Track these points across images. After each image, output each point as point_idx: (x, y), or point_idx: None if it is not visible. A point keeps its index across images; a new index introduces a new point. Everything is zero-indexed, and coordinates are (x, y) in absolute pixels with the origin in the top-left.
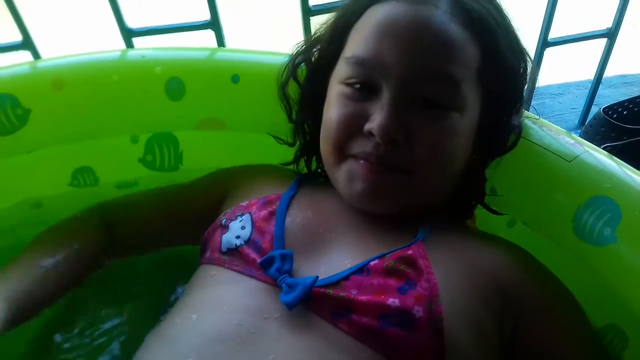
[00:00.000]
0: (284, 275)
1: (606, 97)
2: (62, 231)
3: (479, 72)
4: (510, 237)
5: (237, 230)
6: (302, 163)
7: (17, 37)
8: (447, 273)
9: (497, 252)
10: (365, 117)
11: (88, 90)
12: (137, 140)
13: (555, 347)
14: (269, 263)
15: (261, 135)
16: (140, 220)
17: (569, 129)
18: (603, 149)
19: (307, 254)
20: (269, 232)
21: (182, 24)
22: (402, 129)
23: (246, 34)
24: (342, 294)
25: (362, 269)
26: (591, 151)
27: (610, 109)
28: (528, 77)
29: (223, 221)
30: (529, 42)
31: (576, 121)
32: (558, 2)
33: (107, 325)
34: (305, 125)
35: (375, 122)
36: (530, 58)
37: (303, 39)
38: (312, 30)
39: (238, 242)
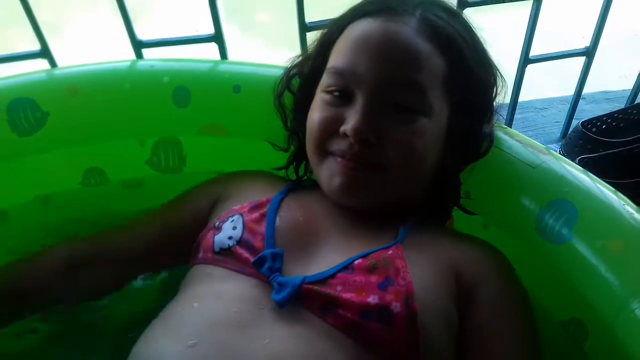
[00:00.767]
0: (276, 274)
1: (588, 112)
2: None
3: (445, 81)
4: (485, 238)
5: (229, 231)
6: (291, 169)
7: (36, 46)
8: (421, 272)
9: (467, 250)
10: (342, 120)
11: (101, 96)
12: (145, 143)
13: (493, 343)
14: (261, 262)
15: (259, 142)
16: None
17: (551, 141)
18: (579, 160)
19: (296, 252)
20: (260, 233)
21: (188, 37)
22: (373, 131)
23: (247, 47)
24: (328, 291)
25: (347, 267)
26: (554, 159)
27: (590, 123)
28: (498, 90)
29: (216, 224)
30: (512, 58)
31: (558, 134)
32: (539, 21)
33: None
34: (299, 133)
35: (349, 124)
36: (500, 73)
37: (299, 53)
38: (308, 45)
39: (231, 242)
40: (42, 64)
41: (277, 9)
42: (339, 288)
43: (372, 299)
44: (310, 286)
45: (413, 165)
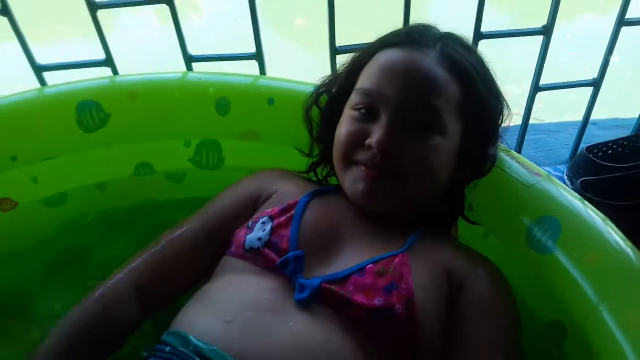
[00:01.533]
0: (298, 275)
1: (598, 137)
2: None
3: (459, 106)
4: (484, 245)
5: (258, 232)
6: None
7: (101, 55)
8: (422, 277)
9: (465, 259)
10: (367, 134)
11: (155, 102)
12: (190, 144)
13: (475, 344)
14: (285, 265)
15: (287, 147)
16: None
17: (559, 163)
18: (581, 182)
19: (317, 252)
20: (286, 235)
21: (233, 54)
22: (394, 144)
23: (283, 65)
24: (342, 291)
25: (360, 270)
26: (546, 180)
27: (595, 148)
28: (504, 117)
29: (249, 224)
30: (524, 85)
31: (567, 156)
32: (548, 53)
33: None
34: (322, 142)
35: (374, 137)
36: (506, 103)
37: (329, 73)
38: (337, 66)
39: (259, 244)
40: (105, 71)
41: (312, 14)
42: (351, 288)
43: (377, 301)
44: (327, 285)
45: (428, 177)
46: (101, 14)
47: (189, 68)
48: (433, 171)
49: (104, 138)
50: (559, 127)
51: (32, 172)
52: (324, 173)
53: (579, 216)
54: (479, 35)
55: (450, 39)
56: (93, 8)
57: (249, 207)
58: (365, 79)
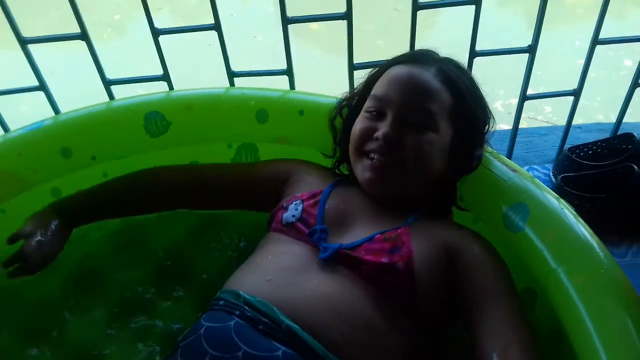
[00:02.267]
0: (322, 242)
1: (582, 139)
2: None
3: (450, 112)
4: (474, 229)
5: (293, 211)
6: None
7: (159, 71)
8: (421, 245)
9: (457, 231)
10: (376, 130)
11: (206, 113)
12: (232, 146)
13: (483, 293)
14: (313, 234)
15: (313, 150)
16: (215, 184)
17: (546, 162)
18: (562, 177)
19: (337, 228)
20: (314, 214)
21: (267, 70)
22: (396, 137)
23: (310, 80)
24: (355, 254)
25: (370, 239)
26: (519, 176)
27: (577, 149)
28: (489, 126)
29: (284, 204)
30: (514, 94)
31: (553, 156)
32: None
33: None
34: (343, 146)
35: (381, 131)
36: (492, 114)
37: (348, 87)
38: (355, 81)
39: (293, 219)
40: (162, 86)
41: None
42: (363, 252)
43: (383, 259)
44: (344, 251)
45: (423, 165)
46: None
47: (232, 83)
48: (427, 161)
49: (164, 142)
50: (548, 131)
51: (105, 169)
52: (346, 171)
53: (544, 203)
54: (473, 53)
55: (447, 61)
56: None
57: (279, 180)
58: (377, 88)
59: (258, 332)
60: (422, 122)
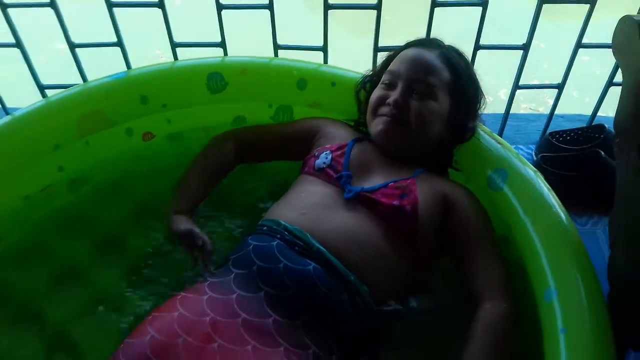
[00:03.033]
0: (347, 185)
1: (563, 127)
2: (212, 153)
3: (448, 87)
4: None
5: (323, 159)
6: None
7: (217, 38)
8: (424, 194)
9: (453, 186)
10: (388, 97)
11: (257, 77)
12: (272, 106)
13: (470, 235)
14: (340, 178)
15: (339, 115)
16: (260, 145)
17: (531, 143)
18: (541, 157)
19: (359, 175)
20: (341, 163)
21: (307, 45)
22: (403, 102)
23: (341, 58)
24: (374, 197)
25: (385, 186)
26: (503, 148)
27: (557, 134)
28: (481, 103)
29: (315, 153)
30: (507, 84)
31: (537, 139)
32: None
33: None
34: (364, 113)
35: (392, 97)
36: (483, 93)
37: (372, 66)
38: (377, 61)
39: (324, 165)
40: (219, 52)
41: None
42: (379, 196)
43: (395, 202)
44: (365, 193)
45: (423, 126)
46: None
47: (276, 53)
48: (427, 123)
49: (221, 97)
50: (536, 118)
51: (169, 116)
52: (364, 130)
53: (520, 170)
54: (478, 46)
55: (449, 47)
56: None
57: (310, 135)
58: (391, 66)
59: (294, 252)
60: (424, 92)
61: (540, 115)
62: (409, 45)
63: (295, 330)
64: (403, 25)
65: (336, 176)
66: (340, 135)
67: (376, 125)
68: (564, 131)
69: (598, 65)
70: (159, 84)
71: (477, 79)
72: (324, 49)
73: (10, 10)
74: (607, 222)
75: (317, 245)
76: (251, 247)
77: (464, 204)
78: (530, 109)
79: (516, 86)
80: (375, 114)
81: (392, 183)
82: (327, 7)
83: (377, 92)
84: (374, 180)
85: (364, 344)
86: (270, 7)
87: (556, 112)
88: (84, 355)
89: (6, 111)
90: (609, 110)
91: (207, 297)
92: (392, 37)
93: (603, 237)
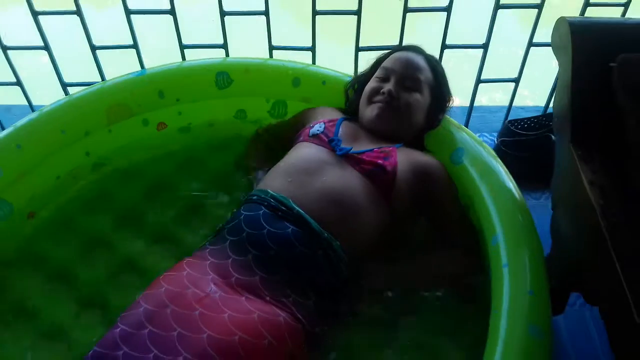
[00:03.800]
0: (338, 146)
1: (522, 116)
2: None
3: (430, 85)
4: None
5: (317, 127)
6: None
7: (220, 40)
8: (402, 160)
9: (427, 158)
10: (382, 88)
11: (257, 76)
12: (269, 101)
13: (443, 206)
14: (331, 141)
15: None
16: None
17: (494, 130)
18: (501, 141)
19: (348, 143)
20: (332, 131)
21: (296, 46)
22: (396, 93)
23: (325, 58)
24: (360, 157)
25: (371, 150)
26: (463, 132)
27: (516, 122)
28: (450, 101)
29: (311, 125)
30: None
31: (499, 127)
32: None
33: None
34: (350, 108)
35: (386, 88)
36: (451, 94)
37: (354, 63)
38: (359, 61)
39: (318, 132)
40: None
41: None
42: (365, 156)
43: (379, 161)
44: (352, 154)
45: (409, 114)
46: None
47: (271, 54)
48: (413, 111)
49: (227, 93)
50: (499, 109)
51: (181, 109)
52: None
53: (475, 147)
54: (444, 46)
55: (430, 54)
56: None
57: (308, 121)
58: (385, 64)
59: (277, 217)
60: (413, 87)
61: (502, 107)
62: (398, 49)
63: (277, 284)
64: (380, 28)
65: (328, 139)
66: (331, 114)
67: (371, 111)
68: (522, 119)
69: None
70: (175, 81)
71: (447, 80)
72: (312, 49)
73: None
74: None
75: (297, 208)
76: (242, 217)
77: (435, 173)
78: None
79: (478, 81)
80: (370, 101)
81: (377, 149)
82: (315, 12)
83: (371, 84)
84: (361, 147)
85: (338, 290)
86: (266, 13)
87: (518, 104)
88: (110, 310)
89: (32, 108)
90: None
91: (209, 263)
92: (371, 38)
93: None
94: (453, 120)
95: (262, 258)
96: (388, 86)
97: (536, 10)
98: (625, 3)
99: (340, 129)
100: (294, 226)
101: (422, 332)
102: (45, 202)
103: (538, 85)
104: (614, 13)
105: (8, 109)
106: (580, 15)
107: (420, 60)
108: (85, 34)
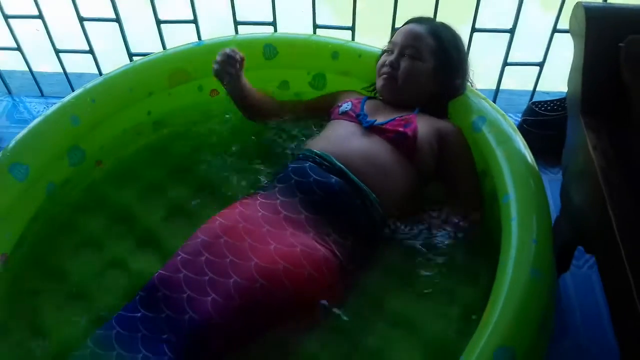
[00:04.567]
0: (364, 119)
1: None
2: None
3: (433, 50)
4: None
5: (345, 106)
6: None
7: (269, 18)
8: (422, 126)
9: (446, 123)
10: (386, 61)
11: (301, 49)
12: (310, 73)
13: (459, 167)
14: (358, 116)
15: (363, 83)
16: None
17: (519, 112)
18: (524, 120)
19: (372, 116)
20: (359, 107)
21: (337, 25)
22: (396, 63)
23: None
24: (384, 127)
25: (393, 120)
26: (485, 102)
27: (539, 103)
28: (466, 66)
29: (339, 104)
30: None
31: (524, 107)
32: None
33: None
34: None
35: (388, 60)
36: (465, 58)
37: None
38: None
39: (347, 109)
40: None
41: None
42: (389, 126)
43: (401, 129)
44: (377, 125)
45: (409, 80)
46: None
47: (315, 31)
48: (412, 77)
49: (272, 64)
50: (525, 93)
51: None
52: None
53: (495, 116)
54: (473, 29)
55: (438, 22)
56: None
57: (334, 102)
58: (393, 38)
59: (322, 169)
60: (412, 55)
61: (528, 92)
62: (406, 22)
63: (320, 223)
64: (417, 10)
65: (356, 114)
66: (356, 96)
67: (379, 82)
68: (545, 101)
69: None
70: None
71: (458, 45)
72: (352, 28)
73: None
74: None
75: (339, 164)
76: (290, 168)
77: (454, 137)
78: None
79: (505, 64)
80: (378, 74)
81: (398, 118)
82: None
83: (381, 59)
84: (384, 118)
85: (371, 235)
86: None
87: (542, 89)
88: (164, 248)
89: (101, 74)
90: None
91: (259, 202)
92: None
93: None
94: (478, 92)
95: (308, 201)
96: (390, 58)
97: None
98: None
99: (365, 106)
100: (337, 177)
101: (435, 279)
102: (111, 152)
103: (562, 71)
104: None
105: (80, 76)
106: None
107: (421, 30)
108: (153, 9)
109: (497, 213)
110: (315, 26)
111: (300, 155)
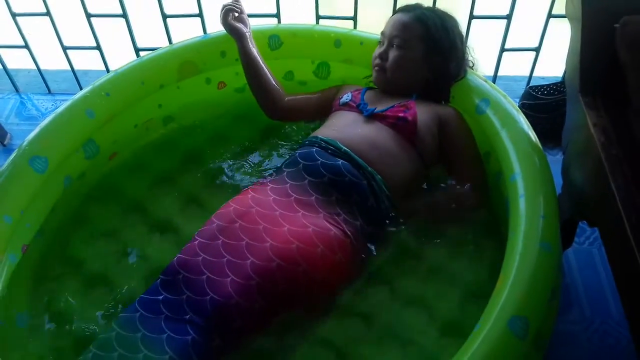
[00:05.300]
0: (365, 108)
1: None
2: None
3: (420, 37)
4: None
5: (345, 97)
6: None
7: (273, 10)
8: (421, 110)
9: (444, 107)
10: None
11: (304, 39)
12: (314, 62)
13: (459, 149)
14: (359, 105)
15: (365, 70)
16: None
17: (517, 96)
18: (522, 104)
19: (372, 105)
20: (359, 97)
21: (341, 16)
22: (384, 54)
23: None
24: (384, 113)
25: (392, 107)
26: (488, 85)
27: (536, 88)
28: (461, 49)
29: (340, 96)
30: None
31: (521, 92)
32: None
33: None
34: None
35: (377, 52)
36: (459, 42)
37: None
38: None
39: (347, 100)
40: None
41: None
42: (389, 112)
43: (401, 114)
44: (377, 113)
45: (397, 69)
46: None
47: (317, 22)
48: (400, 66)
49: (277, 54)
50: (522, 79)
51: (238, 70)
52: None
53: (498, 98)
54: (472, 16)
55: (426, 8)
56: None
57: (335, 96)
58: (383, 29)
59: (328, 153)
60: (399, 44)
61: (525, 77)
62: (396, 11)
63: (330, 203)
64: None
65: (356, 104)
66: (355, 87)
67: (373, 74)
68: (542, 85)
69: None
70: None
71: (450, 29)
72: (354, 17)
73: None
74: None
75: (344, 148)
76: (297, 154)
77: (452, 119)
78: None
79: (502, 50)
80: (372, 66)
81: (397, 104)
82: None
83: (375, 51)
84: (384, 106)
85: (380, 215)
86: None
87: (539, 74)
88: (178, 235)
89: (108, 70)
90: None
91: (270, 187)
92: None
93: None
94: (481, 75)
95: (317, 183)
96: (379, 50)
97: None
98: None
99: (365, 95)
100: (343, 160)
101: (442, 258)
102: (124, 146)
103: (557, 56)
104: None
105: (86, 72)
106: None
107: (406, 18)
108: (159, 4)
109: (500, 192)
110: (318, 17)
111: (307, 142)
